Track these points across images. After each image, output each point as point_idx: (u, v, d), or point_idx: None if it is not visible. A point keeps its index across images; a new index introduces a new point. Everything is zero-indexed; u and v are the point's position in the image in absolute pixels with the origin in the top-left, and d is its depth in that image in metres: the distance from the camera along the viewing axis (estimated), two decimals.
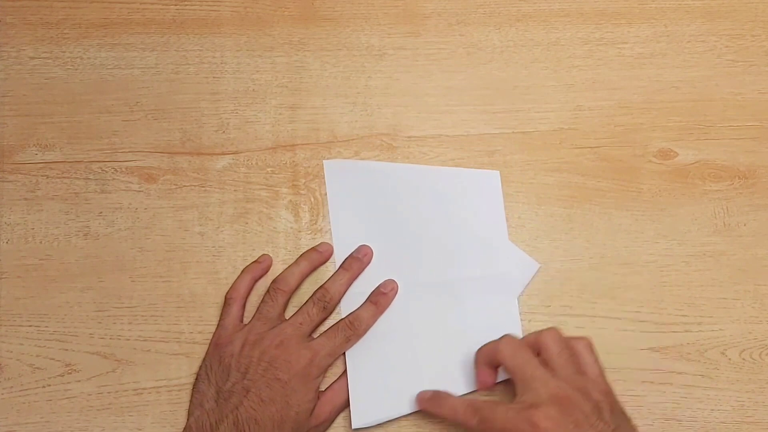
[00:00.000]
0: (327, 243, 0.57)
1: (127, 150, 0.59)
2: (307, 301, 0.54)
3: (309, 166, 0.59)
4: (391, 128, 0.59)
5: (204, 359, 0.54)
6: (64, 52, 0.60)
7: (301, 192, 0.58)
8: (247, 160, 0.58)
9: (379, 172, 0.58)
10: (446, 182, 0.58)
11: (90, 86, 0.59)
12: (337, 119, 0.59)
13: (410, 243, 0.57)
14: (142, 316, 0.56)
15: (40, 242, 0.57)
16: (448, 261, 0.56)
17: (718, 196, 0.58)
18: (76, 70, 0.60)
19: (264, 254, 0.57)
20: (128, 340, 0.56)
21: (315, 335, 0.54)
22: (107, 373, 0.55)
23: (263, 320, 0.54)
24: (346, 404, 0.53)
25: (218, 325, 0.55)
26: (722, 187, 0.59)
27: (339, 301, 0.55)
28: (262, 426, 0.49)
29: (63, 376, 0.55)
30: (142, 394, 0.55)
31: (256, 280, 0.56)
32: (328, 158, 0.58)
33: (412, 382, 0.54)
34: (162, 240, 0.57)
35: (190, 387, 0.55)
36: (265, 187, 0.58)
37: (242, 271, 0.56)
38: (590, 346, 0.51)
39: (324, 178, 0.58)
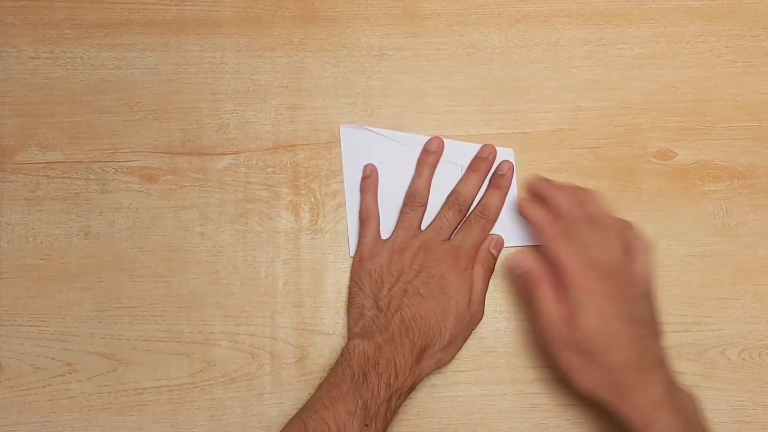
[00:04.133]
0: (436, 138, 0.58)
1: (128, 150, 0.59)
2: (442, 207, 0.57)
3: (309, 167, 0.59)
4: (391, 128, 0.59)
5: (351, 277, 0.56)
6: (65, 52, 0.60)
7: (302, 192, 0.58)
8: (248, 161, 0.59)
9: (394, 140, 0.58)
10: (460, 155, 0.58)
11: (90, 86, 0.59)
12: (337, 119, 0.59)
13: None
14: (143, 315, 0.56)
15: (41, 242, 0.57)
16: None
17: (717, 196, 0.59)
18: (77, 70, 0.60)
19: (367, 165, 0.58)
20: (128, 339, 0.56)
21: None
22: (107, 372, 0.55)
23: (405, 230, 0.56)
24: (485, 287, 0.55)
25: (359, 243, 0.56)
26: (721, 188, 0.59)
27: (472, 202, 0.57)
28: (427, 320, 0.51)
29: (63, 375, 0.55)
30: (142, 393, 0.55)
31: (377, 193, 0.57)
32: (344, 124, 0.59)
33: None
34: (162, 240, 0.57)
35: (191, 387, 0.55)
36: (265, 187, 0.58)
37: (361, 191, 0.57)
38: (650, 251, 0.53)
39: (323, 180, 0.58)
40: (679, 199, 0.58)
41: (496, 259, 0.56)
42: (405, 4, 0.61)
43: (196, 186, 0.58)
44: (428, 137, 0.59)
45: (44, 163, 0.58)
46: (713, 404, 0.55)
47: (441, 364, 0.53)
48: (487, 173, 0.58)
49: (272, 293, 0.57)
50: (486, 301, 0.56)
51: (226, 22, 0.60)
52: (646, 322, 0.50)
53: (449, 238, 0.56)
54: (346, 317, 0.56)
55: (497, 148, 0.59)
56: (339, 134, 0.59)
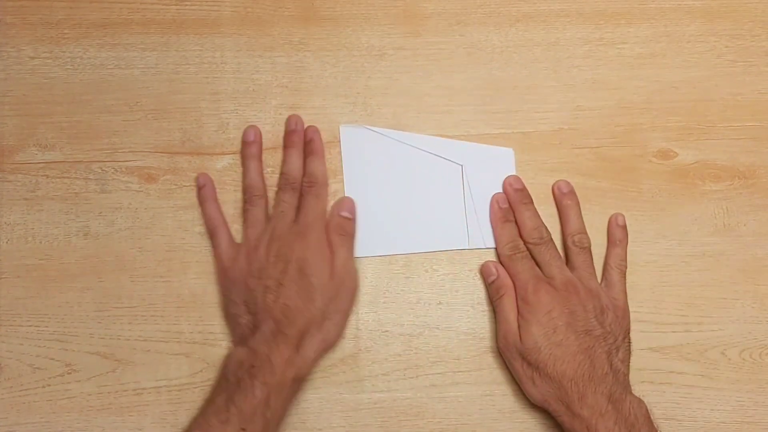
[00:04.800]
0: (251, 127, 0.58)
1: (127, 150, 0.59)
2: (276, 192, 0.57)
3: None
4: (391, 128, 0.59)
5: (220, 290, 0.56)
6: (64, 52, 0.60)
7: None
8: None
9: (394, 140, 0.58)
10: (460, 155, 0.58)
11: (90, 86, 0.59)
12: (337, 119, 0.59)
13: (422, 210, 0.58)
14: (142, 316, 0.56)
15: (40, 242, 0.57)
16: (459, 230, 0.57)
17: (717, 196, 0.58)
18: (76, 70, 0.60)
19: (199, 174, 0.58)
20: (128, 340, 0.56)
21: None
22: (107, 373, 0.55)
23: (253, 226, 0.56)
24: (350, 254, 0.55)
25: (215, 254, 0.56)
26: (722, 188, 0.59)
27: (300, 176, 0.57)
28: (294, 307, 0.51)
29: (63, 376, 0.55)
30: (142, 394, 0.55)
31: (216, 199, 0.57)
32: (344, 124, 0.59)
33: (405, 227, 0.57)
34: (162, 240, 0.57)
35: (191, 387, 0.55)
36: None
37: (201, 201, 0.57)
38: (623, 275, 0.56)
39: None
40: (680, 199, 0.58)
41: (351, 220, 0.56)
42: (405, 3, 0.61)
43: (195, 186, 0.58)
44: (428, 136, 0.58)
45: (43, 163, 0.58)
46: (714, 404, 0.55)
47: (327, 344, 0.53)
48: (302, 143, 0.58)
49: None
50: (486, 301, 0.56)
51: (226, 21, 0.60)
52: (599, 335, 0.52)
53: (296, 218, 0.55)
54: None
55: (497, 148, 0.58)
56: (339, 134, 0.59)
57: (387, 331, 0.56)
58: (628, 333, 0.54)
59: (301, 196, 0.56)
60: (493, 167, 0.58)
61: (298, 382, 0.52)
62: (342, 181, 0.58)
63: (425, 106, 0.60)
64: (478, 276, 0.57)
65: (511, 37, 0.61)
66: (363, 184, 0.58)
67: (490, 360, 0.56)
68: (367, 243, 0.57)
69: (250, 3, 0.61)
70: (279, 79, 0.60)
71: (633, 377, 0.55)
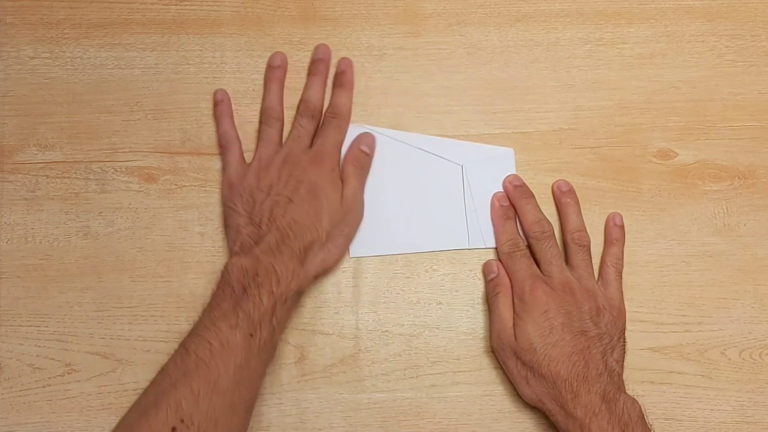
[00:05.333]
0: (278, 53, 0.59)
1: (127, 150, 0.58)
2: (295, 116, 0.58)
3: None
4: (391, 128, 0.59)
5: (223, 203, 0.56)
6: (64, 52, 0.60)
7: None
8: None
9: (394, 140, 0.58)
10: (461, 155, 0.58)
11: (90, 86, 0.59)
12: None
13: (422, 210, 0.58)
14: (142, 316, 0.56)
15: (40, 242, 0.57)
16: (459, 230, 0.57)
17: (717, 196, 0.58)
18: (76, 70, 0.60)
19: (217, 91, 0.58)
20: (128, 340, 0.56)
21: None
22: (107, 373, 0.55)
23: (267, 146, 0.56)
24: (361, 186, 0.57)
25: (225, 169, 0.57)
26: (722, 188, 0.59)
27: (322, 105, 0.58)
28: (301, 223, 0.52)
29: (63, 376, 0.55)
30: None
31: (232, 117, 0.58)
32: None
33: (405, 227, 0.57)
34: (162, 240, 0.57)
35: None
36: None
37: (216, 116, 0.58)
38: (619, 274, 0.56)
39: None
40: (680, 199, 0.58)
41: (369, 155, 0.57)
42: (405, 3, 0.61)
43: (195, 186, 0.58)
44: (428, 136, 0.58)
45: (43, 163, 0.58)
46: (714, 404, 0.55)
47: (327, 264, 0.54)
48: (327, 73, 0.59)
49: None
50: (482, 300, 0.56)
51: (226, 21, 0.60)
52: (594, 335, 0.52)
53: (311, 146, 0.56)
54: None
55: (497, 148, 0.58)
56: None
57: (387, 331, 0.56)
58: (623, 333, 0.54)
59: (321, 125, 0.57)
60: (493, 167, 0.58)
61: (299, 295, 0.53)
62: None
63: (425, 107, 0.60)
64: (478, 276, 0.57)
65: (511, 37, 0.61)
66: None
67: (490, 360, 0.56)
68: (367, 243, 0.57)
69: (250, 3, 0.61)
70: None
71: (633, 377, 0.55)
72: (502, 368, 0.55)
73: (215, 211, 0.58)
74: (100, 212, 0.58)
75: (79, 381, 0.55)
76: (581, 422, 0.49)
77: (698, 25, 0.61)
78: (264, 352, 0.49)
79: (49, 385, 0.55)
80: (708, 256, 0.58)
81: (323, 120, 0.57)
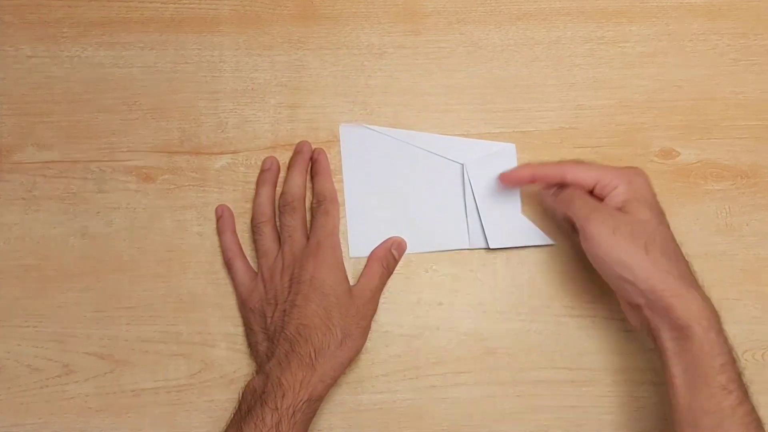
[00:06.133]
0: (270, 157, 0.58)
1: (126, 149, 0.58)
2: (279, 217, 0.56)
3: None
4: (391, 127, 0.59)
5: (242, 322, 0.55)
6: (63, 51, 0.60)
7: None
8: (246, 160, 0.58)
9: (394, 138, 0.58)
10: (461, 153, 0.58)
11: (88, 85, 0.59)
12: (337, 118, 0.59)
13: (422, 210, 0.57)
14: (141, 316, 0.56)
15: (38, 242, 0.57)
16: (459, 230, 0.57)
17: (720, 195, 0.58)
18: (75, 69, 0.59)
19: (218, 206, 0.57)
20: (126, 340, 0.55)
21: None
22: (105, 374, 0.55)
23: (266, 256, 0.55)
24: (381, 285, 0.55)
25: (234, 285, 0.56)
26: (724, 187, 0.58)
27: (302, 193, 0.57)
28: (310, 326, 0.51)
29: (61, 377, 0.55)
30: (140, 395, 0.55)
31: (234, 231, 0.57)
32: (344, 123, 0.58)
33: (405, 227, 0.57)
34: (160, 240, 0.57)
35: (189, 388, 0.55)
36: None
37: (219, 232, 0.57)
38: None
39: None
40: (682, 199, 0.58)
41: (396, 261, 0.56)
42: (405, 2, 0.61)
43: (194, 185, 0.58)
44: (428, 134, 0.58)
45: (41, 163, 0.58)
46: None
47: (345, 363, 0.52)
48: (306, 164, 0.57)
49: None
50: (487, 302, 0.56)
51: (225, 20, 0.60)
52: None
53: (306, 238, 0.55)
54: None
55: (498, 144, 0.58)
56: (338, 133, 0.59)
57: (387, 331, 0.56)
58: None
59: (312, 218, 0.56)
60: (495, 164, 0.58)
61: (312, 403, 0.49)
62: (342, 180, 0.58)
63: (425, 105, 0.59)
64: (479, 276, 0.57)
65: (511, 36, 0.60)
66: (363, 183, 0.58)
67: (491, 361, 0.56)
68: (366, 243, 0.57)
69: (249, 1, 0.60)
70: (278, 77, 0.60)
71: (635, 378, 0.55)
72: (503, 369, 0.55)
73: (213, 211, 0.57)
74: (99, 212, 0.57)
75: (77, 382, 0.55)
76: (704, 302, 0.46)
77: (700, 23, 0.61)
78: None
79: (47, 386, 0.55)
80: (710, 256, 0.57)
81: (312, 212, 0.56)
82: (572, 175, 0.52)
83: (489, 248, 0.57)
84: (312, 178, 0.57)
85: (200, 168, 0.58)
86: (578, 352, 0.56)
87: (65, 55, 0.60)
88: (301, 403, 0.48)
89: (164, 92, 0.59)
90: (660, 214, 0.50)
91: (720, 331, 0.45)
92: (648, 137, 0.59)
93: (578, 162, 0.54)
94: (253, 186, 0.58)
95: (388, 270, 0.56)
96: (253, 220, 0.56)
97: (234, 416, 0.49)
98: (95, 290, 0.56)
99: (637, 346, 0.55)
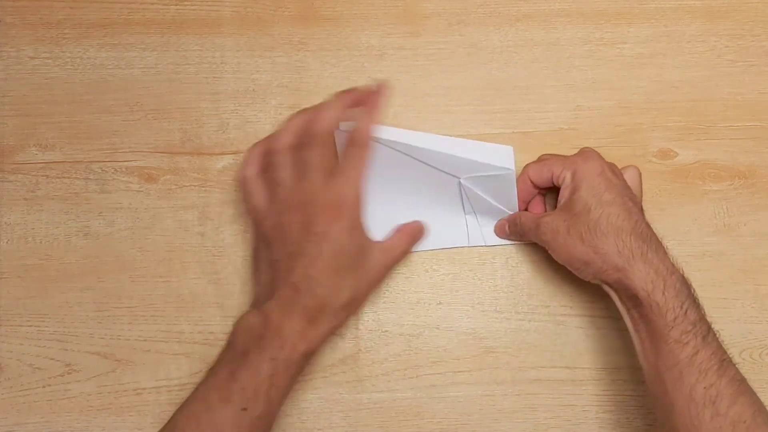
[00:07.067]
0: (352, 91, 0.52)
1: (127, 150, 0.58)
2: (299, 149, 0.51)
3: None
4: (390, 127, 0.59)
5: (252, 242, 0.54)
6: (64, 52, 0.60)
7: None
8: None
9: (392, 138, 0.58)
10: (460, 152, 0.57)
11: (90, 86, 0.59)
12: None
13: (421, 209, 0.57)
14: (142, 316, 0.56)
15: (40, 242, 0.57)
16: (458, 228, 0.57)
17: (718, 196, 0.58)
18: (76, 70, 0.60)
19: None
20: (128, 340, 0.56)
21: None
22: (107, 373, 0.55)
23: (281, 185, 0.51)
24: (400, 259, 0.54)
25: (248, 209, 0.53)
26: (722, 187, 0.59)
27: (332, 129, 0.51)
28: (318, 280, 0.48)
29: (63, 376, 0.55)
30: (142, 394, 0.55)
31: (267, 153, 0.52)
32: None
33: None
34: (162, 240, 0.57)
35: (191, 387, 0.54)
36: None
37: (250, 149, 0.53)
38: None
39: None
40: (680, 199, 0.58)
41: (419, 240, 0.55)
42: (405, 3, 0.61)
43: (195, 186, 0.58)
44: (427, 134, 0.58)
45: (43, 163, 0.58)
46: None
47: (346, 321, 0.50)
48: (350, 102, 0.52)
49: None
50: (486, 301, 0.56)
51: (226, 21, 0.60)
52: (640, 207, 0.51)
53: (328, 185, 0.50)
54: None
55: (496, 145, 0.58)
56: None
57: (387, 331, 0.56)
58: None
59: (304, 157, 0.51)
60: (492, 178, 0.57)
61: (308, 357, 0.48)
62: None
63: (425, 106, 0.59)
64: (479, 276, 0.57)
65: (511, 37, 0.61)
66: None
67: (490, 360, 0.56)
68: None
69: (250, 3, 0.61)
70: (279, 78, 0.60)
71: (633, 377, 0.55)
72: (502, 368, 0.55)
73: (215, 211, 0.58)
74: (100, 212, 0.58)
75: (79, 381, 0.55)
76: (653, 279, 0.47)
77: (698, 24, 0.61)
78: (258, 427, 0.46)
79: (49, 385, 0.55)
80: (708, 256, 0.57)
81: (303, 148, 0.50)
82: (533, 176, 0.55)
83: (487, 245, 0.57)
84: (355, 115, 0.51)
85: (202, 168, 0.58)
86: (577, 352, 0.56)
87: (67, 56, 0.60)
88: (297, 356, 0.47)
89: (166, 93, 0.59)
90: (605, 190, 0.50)
91: (665, 290, 0.47)
92: (646, 138, 0.59)
93: (537, 161, 0.56)
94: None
95: (410, 247, 0.55)
96: (272, 143, 0.51)
97: (226, 354, 0.47)
98: (97, 290, 0.56)
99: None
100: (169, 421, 0.47)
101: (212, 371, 0.47)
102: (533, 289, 0.57)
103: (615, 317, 0.56)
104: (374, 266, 0.52)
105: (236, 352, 0.47)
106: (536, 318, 0.56)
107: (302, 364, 0.48)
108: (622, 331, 0.56)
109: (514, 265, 0.57)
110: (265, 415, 0.46)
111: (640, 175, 0.55)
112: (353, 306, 0.50)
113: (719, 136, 0.59)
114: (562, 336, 0.56)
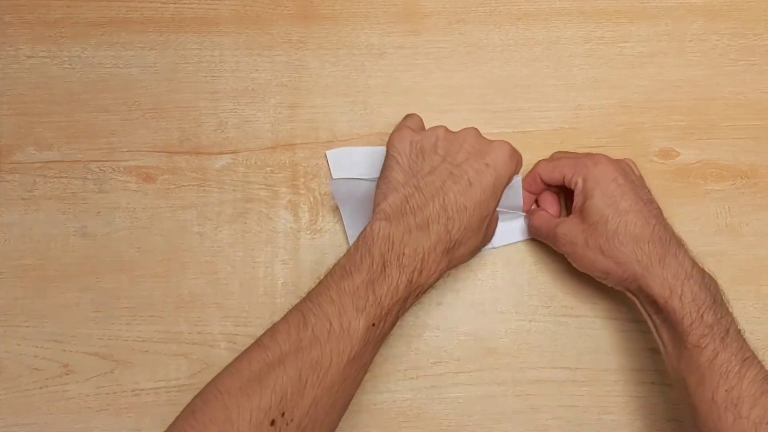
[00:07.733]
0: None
1: (126, 149, 0.58)
2: None
3: (308, 166, 0.58)
4: (391, 127, 0.58)
5: (388, 150, 0.49)
6: (62, 51, 0.60)
7: (301, 192, 0.58)
8: (246, 160, 0.58)
9: (381, 154, 0.57)
10: None
11: (88, 85, 0.59)
12: (337, 118, 0.59)
13: None
14: (141, 316, 0.56)
15: (38, 242, 0.57)
16: None
17: (720, 195, 0.58)
18: (74, 69, 0.59)
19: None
20: (126, 340, 0.55)
21: None
22: (105, 373, 0.55)
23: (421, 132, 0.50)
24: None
25: (404, 124, 0.51)
26: (724, 187, 0.58)
27: None
28: (470, 212, 0.46)
29: (61, 376, 0.55)
30: (140, 395, 0.55)
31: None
32: (328, 151, 0.58)
33: None
34: (160, 240, 0.57)
35: (190, 388, 0.54)
36: (264, 186, 0.58)
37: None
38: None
39: (323, 180, 0.58)
40: (681, 199, 0.58)
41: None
42: (405, 2, 0.61)
43: (194, 185, 0.58)
44: None
45: (41, 163, 0.58)
46: None
47: (459, 263, 0.48)
48: None
49: (271, 294, 0.56)
50: (487, 301, 0.56)
51: (225, 20, 0.60)
52: (656, 207, 0.51)
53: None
54: None
55: None
56: (338, 134, 0.58)
57: None
58: None
59: None
60: None
61: (424, 292, 0.46)
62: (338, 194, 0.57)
63: (425, 105, 0.59)
64: (479, 276, 0.57)
65: (511, 36, 0.60)
66: (357, 204, 0.55)
67: (490, 361, 0.56)
68: None
69: (249, 1, 0.60)
70: (278, 77, 0.60)
71: (634, 378, 0.55)
72: (502, 369, 0.55)
73: (213, 211, 0.57)
74: (99, 212, 0.57)
75: (77, 381, 0.55)
76: (670, 284, 0.47)
77: (700, 23, 0.61)
78: (377, 346, 0.43)
79: (48, 386, 0.55)
80: (710, 256, 0.57)
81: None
82: (544, 176, 0.54)
83: (494, 247, 0.57)
84: None
85: (200, 168, 0.58)
86: (578, 352, 0.56)
87: (65, 55, 0.60)
88: (427, 285, 0.45)
89: (164, 92, 0.59)
90: (621, 198, 0.50)
91: (682, 295, 0.47)
92: (648, 137, 0.59)
93: (549, 159, 0.56)
94: (253, 186, 0.58)
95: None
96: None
97: (364, 259, 0.43)
98: (95, 290, 0.56)
99: (636, 345, 0.55)
100: (296, 313, 0.42)
101: (347, 272, 0.43)
102: (534, 290, 0.57)
103: (616, 318, 0.56)
104: (487, 236, 0.52)
105: (375, 260, 0.43)
106: (537, 318, 0.56)
107: (417, 299, 0.46)
108: (624, 332, 0.56)
109: (515, 266, 0.57)
110: (384, 334, 0.44)
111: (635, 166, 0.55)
112: (467, 256, 0.48)
113: (721, 136, 0.59)
114: (563, 337, 0.56)
